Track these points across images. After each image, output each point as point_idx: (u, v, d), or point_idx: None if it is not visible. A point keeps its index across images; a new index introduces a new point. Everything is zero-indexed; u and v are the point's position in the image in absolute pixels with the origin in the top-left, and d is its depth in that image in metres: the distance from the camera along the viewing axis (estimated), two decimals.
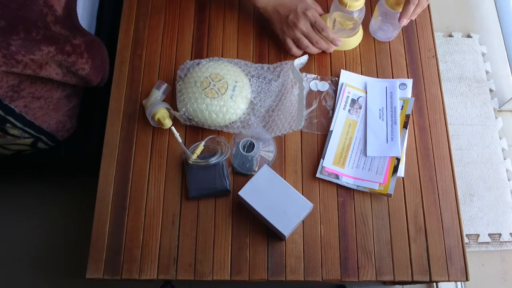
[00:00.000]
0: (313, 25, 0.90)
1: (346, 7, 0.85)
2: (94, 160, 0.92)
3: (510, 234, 1.41)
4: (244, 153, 0.84)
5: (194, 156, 0.84)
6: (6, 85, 0.81)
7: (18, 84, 0.83)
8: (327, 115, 0.92)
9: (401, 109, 0.91)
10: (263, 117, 0.89)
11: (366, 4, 0.90)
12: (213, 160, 0.83)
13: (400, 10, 0.87)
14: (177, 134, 0.84)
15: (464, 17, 1.75)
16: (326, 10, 1.01)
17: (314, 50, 0.93)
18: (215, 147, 0.86)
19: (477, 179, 1.48)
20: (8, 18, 0.78)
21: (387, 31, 0.96)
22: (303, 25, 0.90)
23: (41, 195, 1.42)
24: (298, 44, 0.93)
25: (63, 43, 0.87)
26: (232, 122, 0.88)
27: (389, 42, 0.98)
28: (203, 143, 0.86)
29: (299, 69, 0.95)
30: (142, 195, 0.85)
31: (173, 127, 0.85)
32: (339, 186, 0.86)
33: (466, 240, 1.39)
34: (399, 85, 0.93)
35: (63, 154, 1.09)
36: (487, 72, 1.64)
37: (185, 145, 0.88)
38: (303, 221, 0.83)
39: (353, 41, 0.97)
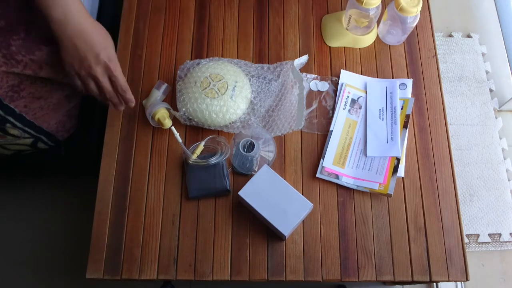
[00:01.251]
0: (112, 81, 0.78)
1: (362, 5, 0.85)
2: (94, 160, 0.92)
3: (510, 234, 1.41)
4: (244, 153, 0.84)
5: (194, 156, 0.84)
6: (6, 85, 0.81)
7: (18, 84, 0.83)
8: (327, 115, 0.92)
9: (401, 109, 0.91)
10: (263, 117, 0.89)
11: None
12: (213, 160, 0.83)
13: (410, 14, 0.87)
14: (177, 134, 0.84)
15: (464, 17, 1.75)
16: (341, 7, 1.01)
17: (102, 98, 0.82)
18: (215, 147, 0.86)
19: (477, 179, 1.48)
20: (8, 18, 0.78)
21: (396, 35, 0.96)
22: (101, 75, 0.76)
23: (41, 195, 1.42)
24: (86, 86, 0.80)
25: None
26: (232, 122, 0.88)
27: None
28: (203, 143, 0.86)
29: (299, 69, 0.95)
30: (142, 195, 0.85)
31: (173, 127, 0.85)
32: (339, 186, 0.86)
33: (466, 240, 1.39)
34: (399, 85, 0.93)
35: (63, 154, 1.09)
36: (487, 72, 1.64)
37: (185, 145, 0.87)
38: (303, 221, 0.83)
39: (367, 39, 0.97)
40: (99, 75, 0.76)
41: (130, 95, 0.81)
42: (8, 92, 0.82)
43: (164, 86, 0.91)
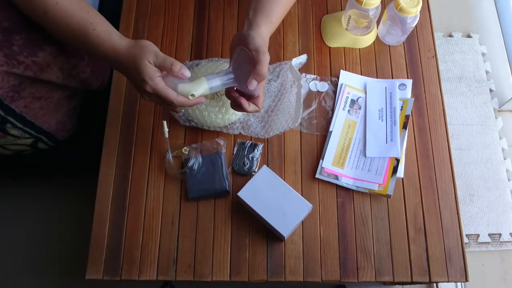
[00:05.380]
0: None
1: (362, 5, 0.85)
2: (94, 160, 0.92)
3: (510, 234, 1.41)
4: (245, 154, 0.84)
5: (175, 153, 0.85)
6: (7, 85, 0.81)
7: (18, 84, 0.83)
8: (327, 116, 0.92)
9: (401, 109, 0.91)
10: (262, 117, 0.89)
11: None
12: (186, 169, 0.84)
13: (409, 15, 0.87)
14: (166, 130, 0.81)
15: (464, 17, 1.75)
16: (341, 7, 1.01)
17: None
18: (192, 151, 0.86)
19: (477, 179, 1.48)
20: (12, 20, 0.78)
21: (396, 35, 0.95)
22: (154, 101, 0.76)
23: (41, 195, 1.42)
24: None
25: (65, 44, 0.88)
26: (232, 123, 0.88)
27: None
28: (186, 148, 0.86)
29: (298, 69, 0.95)
30: (142, 196, 0.85)
31: (164, 122, 0.81)
32: (338, 187, 0.86)
33: (466, 240, 1.39)
34: (399, 86, 0.93)
35: (63, 154, 1.09)
36: (487, 72, 1.64)
37: (183, 144, 0.87)
38: (302, 222, 0.83)
39: (367, 39, 0.97)
40: (153, 102, 0.76)
41: (185, 103, 0.74)
42: (9, 92, 0.82)
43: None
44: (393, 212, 0.84)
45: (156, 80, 0.70)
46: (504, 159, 1.51)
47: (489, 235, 1.40)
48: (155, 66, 0.71)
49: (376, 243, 0.82)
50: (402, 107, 0.91)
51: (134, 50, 0.71)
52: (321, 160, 0.87)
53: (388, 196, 0.84)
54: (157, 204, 0.85)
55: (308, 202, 0.79)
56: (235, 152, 0.87)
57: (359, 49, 0.97)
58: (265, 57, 0.71)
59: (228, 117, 0.86)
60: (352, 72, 0.95)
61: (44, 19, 0.74)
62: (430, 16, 1.02)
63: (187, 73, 0.72)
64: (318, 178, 0.86)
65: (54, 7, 0.72)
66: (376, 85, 0.93)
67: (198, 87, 0.73)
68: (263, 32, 0.74)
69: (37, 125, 0.94)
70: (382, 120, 0.90)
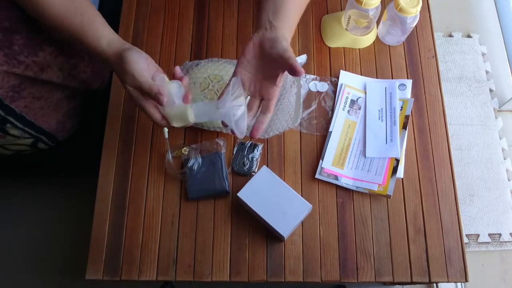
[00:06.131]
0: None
1: (362, 5, 0.85)
2: (94, 160, 0.92)
3: (510, 234, 1.41)
4: (244, 154, 0.84)
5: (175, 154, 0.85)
6: (7, 85, 0.81)
7: (19, 84, 0.83)
8: (327, 116, 0.92)
9: (401, 109, 0.91)
10: None
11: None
12: (186, 169, 0.84)
13: (409, 15, 0.87)
14: (166, 130, 0.80)
15: (464, 17, 1.75)
16: (341, 7, 1.01)
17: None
18: (191, 151, 0.86)
19: (477, 179, 1.48)
20: (12, 20, 0.78)
21: (396, 35, 0.95)
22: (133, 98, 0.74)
23: (40, 195, 1.42)
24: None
25: (65, 44, 0.88)
26: None
27: None
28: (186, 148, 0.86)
29: None
30: (142, 196, 0.85)
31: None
32: (338, 187, 0.86)
33: (466, 240, 1.39)
34: (399, 86, 0.93)
35: (63, 154, 1.09)
36: (487, 72, 1.64)
37: (183, 144, 0.87)
38: (302, 222, 0.83)
39: (367, 39, 0.97)
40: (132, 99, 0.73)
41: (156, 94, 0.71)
42: (9, 92, 0.82)
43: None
44: (393, 213, 0.84)
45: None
46: (504, 159, 1.51)
47: (489, 235, 1.41)
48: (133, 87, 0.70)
49: (376, 244, 0.82)
50: (402, 107, 0.91)
51: (117, 64, 0.71)
52: (321, 161, 0.87)
53: (388, 197, 0.84)
54: (157, 203, 0.85)
55: (308, 203, 0.79)
56: (235, 152, 0.87)
57: (359, 49, 0.97)
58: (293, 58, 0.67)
59: None
60: (352, 72, 0.95)
61: (42, 19, 0.74)
62: (430, 16, 1.02)
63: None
64: (318, 179, 0.86)
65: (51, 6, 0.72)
66: (376, 85, 0.93)
67: (184, 118, 0.73)
68: (288, 36, 0.71)
69: (37, 125, 0.94)
70: (382, 120, 0.90)
